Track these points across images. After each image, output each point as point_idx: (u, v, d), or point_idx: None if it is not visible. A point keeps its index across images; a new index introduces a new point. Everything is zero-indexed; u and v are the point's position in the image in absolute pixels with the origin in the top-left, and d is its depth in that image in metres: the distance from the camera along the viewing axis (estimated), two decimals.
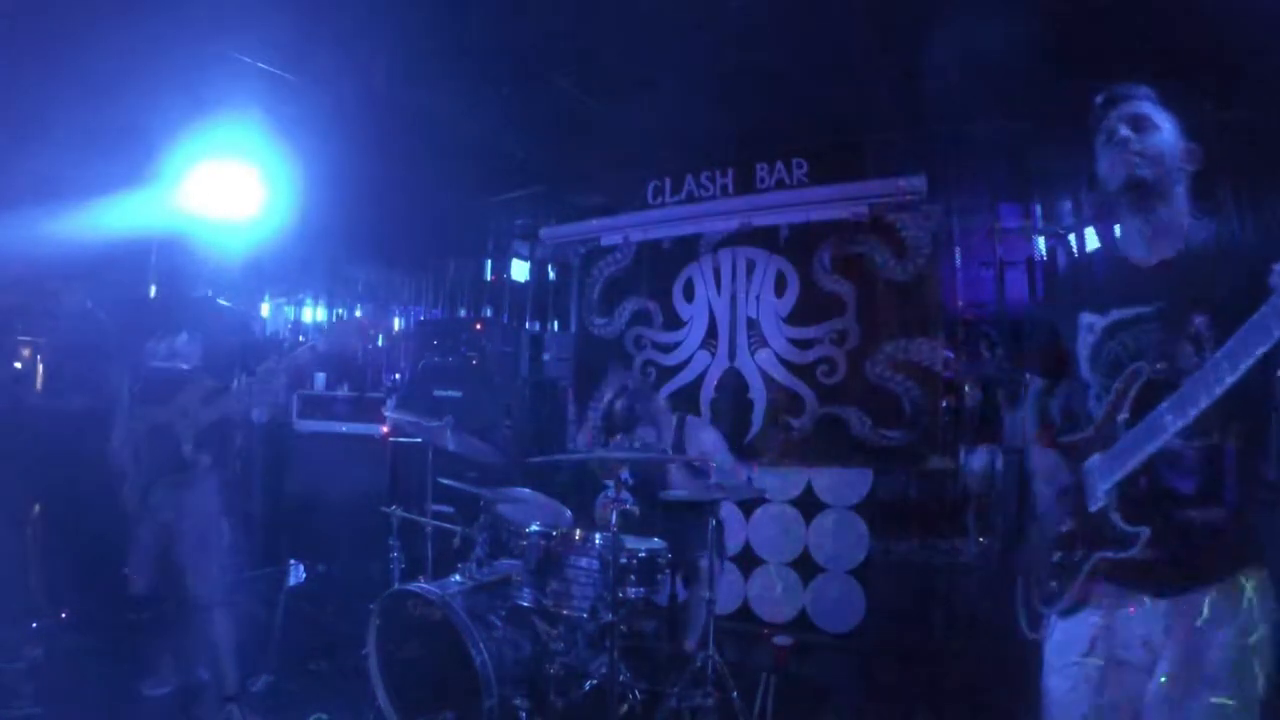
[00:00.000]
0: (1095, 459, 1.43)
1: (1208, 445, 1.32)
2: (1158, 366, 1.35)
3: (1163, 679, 1.33)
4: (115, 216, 3.77)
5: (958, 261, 4.41)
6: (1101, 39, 3.05)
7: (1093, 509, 1.41)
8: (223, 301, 3.05)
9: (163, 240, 2.88)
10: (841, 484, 4.26)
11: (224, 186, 3.86)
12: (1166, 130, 1.45)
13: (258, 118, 3.72)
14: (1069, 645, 1.46)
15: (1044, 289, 1.72)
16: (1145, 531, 1.31)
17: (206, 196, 3.87)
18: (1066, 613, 1.46)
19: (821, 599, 4.20)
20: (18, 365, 3.73)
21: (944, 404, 4.24)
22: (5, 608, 3.23)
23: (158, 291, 2.98)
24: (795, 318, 4.46)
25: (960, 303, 4.54)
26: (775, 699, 3.24)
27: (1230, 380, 1.18)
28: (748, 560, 4.40)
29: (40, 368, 3.75)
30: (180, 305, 2.92)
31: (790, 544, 4.31)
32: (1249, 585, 1.33)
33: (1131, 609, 1.39)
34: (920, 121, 4.09)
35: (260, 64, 3.44)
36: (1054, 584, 1.49)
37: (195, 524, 2.77)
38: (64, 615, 3.54)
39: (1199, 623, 1.32)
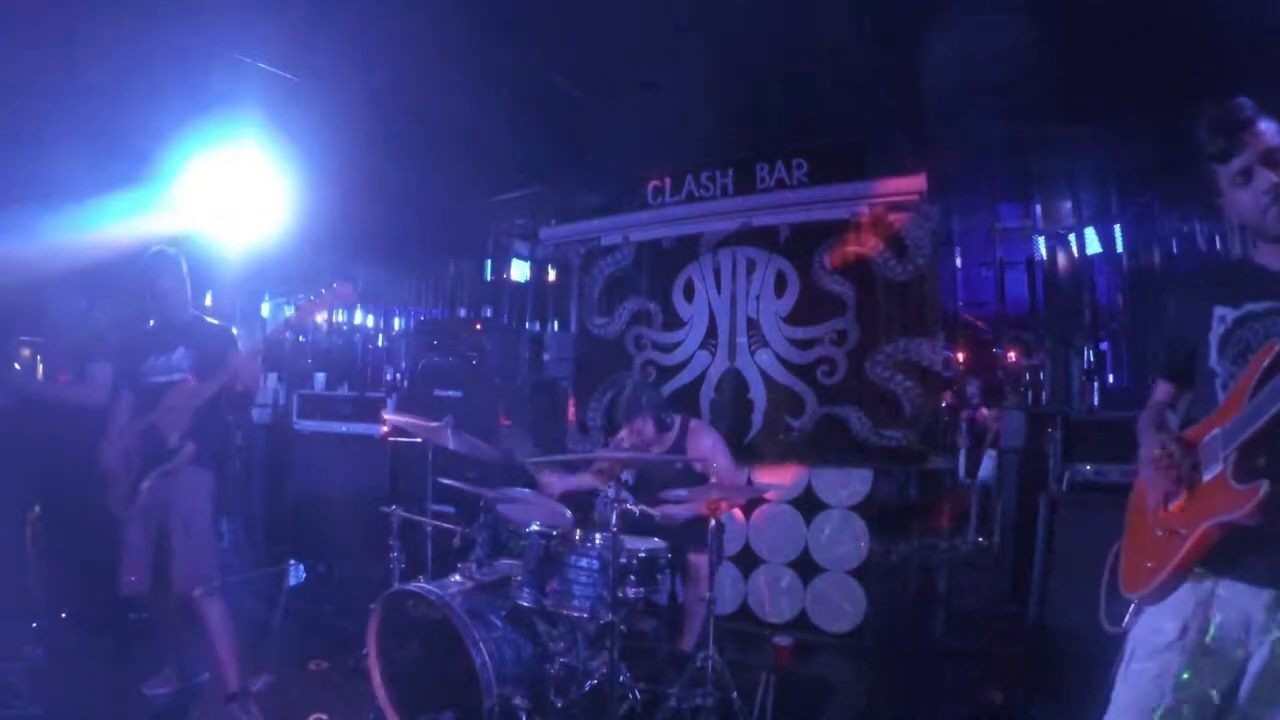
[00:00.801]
0: (1215, 432, 1.40)
1: None
2: None
3: (1252, 681, 1.28)
4: (115, 217, 3.77)
5: (958, 261, 4.41)
6: (1101, 39, 3.05)
7: (1208, 478, 1.38)
8: (211, 320, 3.09)
9: (151, 257, 2.90)
10: (841, 484, 4.26)
11: (224, 186, 3.87)
12: None
13: (258, 118, 3.72)
14: (1158, 631, 1.42)
15: (1174, 288, 1.70)
16: (1262, 485, 1.24)
17: (206, 196, 3.87)
18: (1159, 597, 1.42)
19: (821, 599, 4.20)
20: (17, 366, 3.73)
21: (944, 404, 4.25)
22: (5, 608, 3.23)
23: (151, 312, 3.02)
24: (795, 318, 4.46)
25: (960, 303, 4.54)
26: (775, 699, 3.24)
27: None
28: (748, 560, 4.40)
29: (40, 368, 3.76)
30: (175, 326, 2.95)
31: (790, 544, 4.31)
32: None
33: (1234, 588, 1.34)
34: (920, 121, 4.09)
35: (260, 64, 3.44)
36: (1150, 563, 1.44)
37: (182, 512, 2.77)
38: (64, 615, 3.54)
39: None
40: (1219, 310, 1.53)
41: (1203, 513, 1.35)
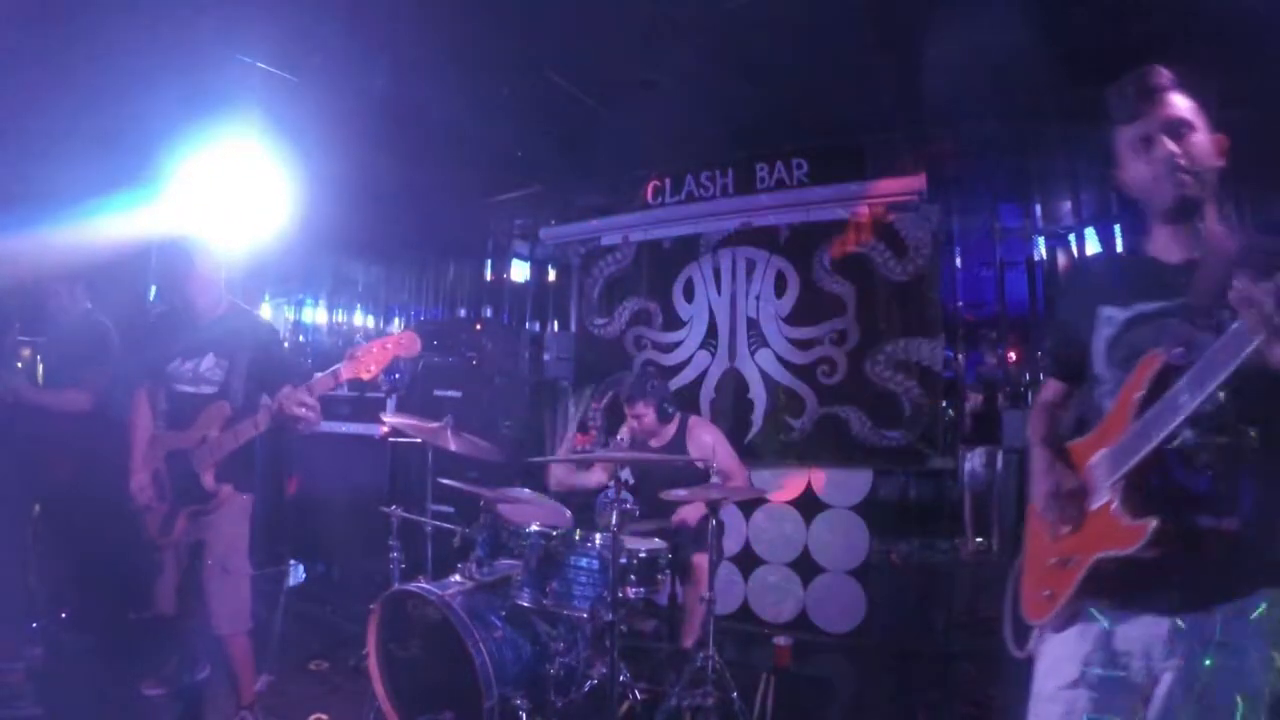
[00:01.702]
0: (1102, 453, 1.33)
1: (1224, 444, 1.22)
2: (1175, 351, 1.25)
3: (1160, 709, 1.24)
4: (115, 217, 3.77)
5: (958, 261, 4.41)
6: (1101, 39, 3.05)
7: (1094, 507, 1.32)
8: (249, 309, 2.86)
9: (163, 248, 2.75)
10: (841, 484, 4.26)
11: (224, 187, 3.86)
12: (1200, 126, 1.38)
13: (258, 118, 3.72)
14: (1060, 667, 1.36)
15: (1064, 284, 1.66)
16: (1152, 523, 1.18)
17: (206, 196, 3.87)
18: (1060, 626, 1.37)
19: (821, 599, 4.20)
20: (19, 365, 3.73)
21: (944, 404, 4.24)
22: (5, 608, 3.23)
23: (170, 305, 2.80)
24: (795, 318, 4.46)
25: (960, 303, 4.54)
26: (775, 699, 3.24)
27: (1249, 349, 1.06)
28: (748, 560, 4.40)
29: (40, 368, 3.75)
30: (203, 323, 2.72)
31: (790, 544, 4.31)
32: (1268, 607, 1.22)
33: (1133, 620, 1.29)
34: (920, 121, 4.09)
35: (260, 64, 3.44)
36: (1047, 591, 1.39)
37: (219, 553, 2.63)
38: (64, 615, 3.54)
39: (1208, 648, 1.22)
40: (1106, 311, 1.44)
41: (1093, 544, 1.30)
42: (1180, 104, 1.39)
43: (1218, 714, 1.20)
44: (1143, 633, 1.29)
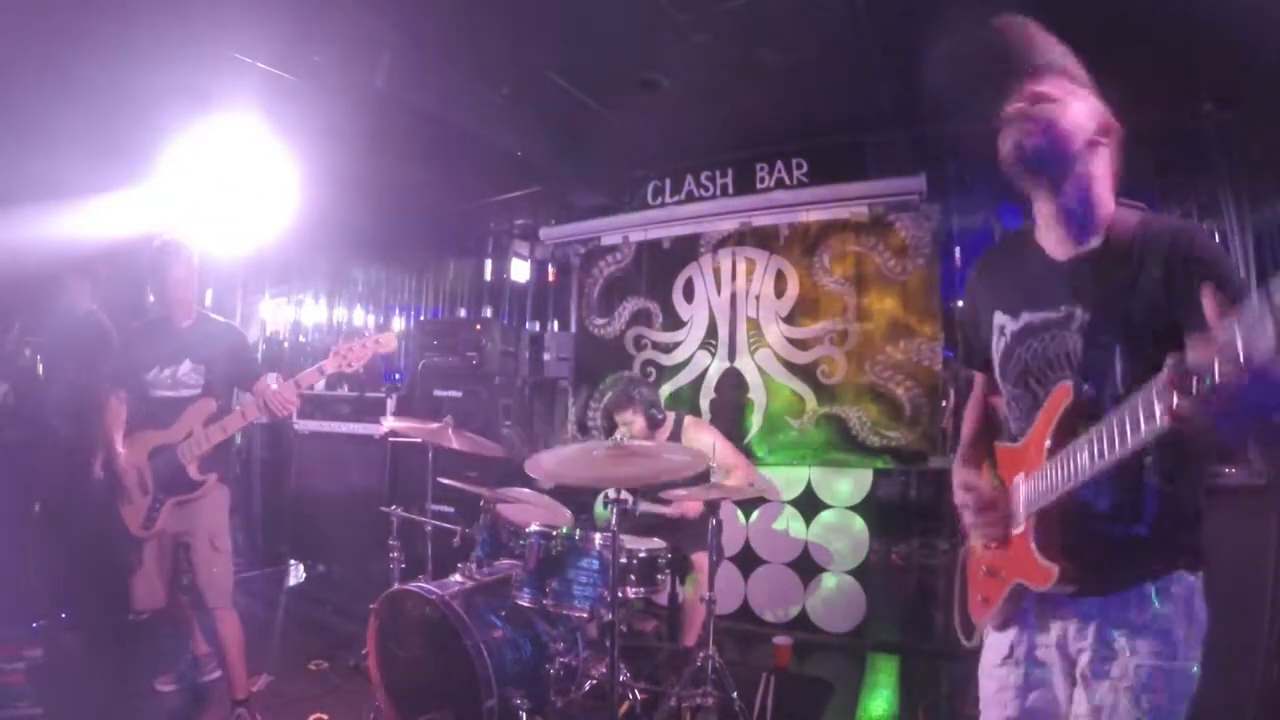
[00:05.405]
0: (1019, 480, 1.31)
1: (1130, 470, 1.19)
2: (1084, 387, 1.20)
3: (1081, 688, 1.26)
4: (115, 217, 3.77)
5: (958, 261, 4.40)
6: (1102, 38, 3.05)
7: (1015, 532, 1.31)
8: (216, 316, 3.04)
9: (161, 246, 2.85)
10: (841, 484, 4.27)
11: (223, 186, 3.87)
12: (1072, 100, 1.31)
13: (258, 118, 3.72)
14: (995, 649, 1.42)
15: (967, 280, 1.54)
16: (1056, 569, 1.19)
17: (206, 195, 3.87)
18: (996, 625, 1.41)
19: (821, 599, 4.20)
20: (20, 365, 3.73)
21: (944, 404, 4.24)
22: (5, 608, 3.23)
23: (147, 318, 2.97)
24: (795, 318, 4.46)
25: (960, 303, 4.53)
26: (775, 699, 3.24)
27: (1147, 434, 0.97)
28: (748, 560, 4.40)
29: (40, 368, 3.75)
30: (178, 329, 2.86)
31: (790, 544, 4.31)
32: (1176, 588, 1.23)
33: (1048, 611, 1.33)
34: (920, 121, 4.08)
35: (260, 64, 3.43)
36: (981, 596, 1.43)
37: (206, 534, 2.78)
38: (64, 615, 3.54)
39: (1117, 629, 1.24)
40: (999, 318, 1.40)
41: (1013, 568, 1.31)
42: (1048, 84, 1.34)
43: (1136, 696, 1.21)
44: (1060, 622, 1.32)
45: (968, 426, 1.60)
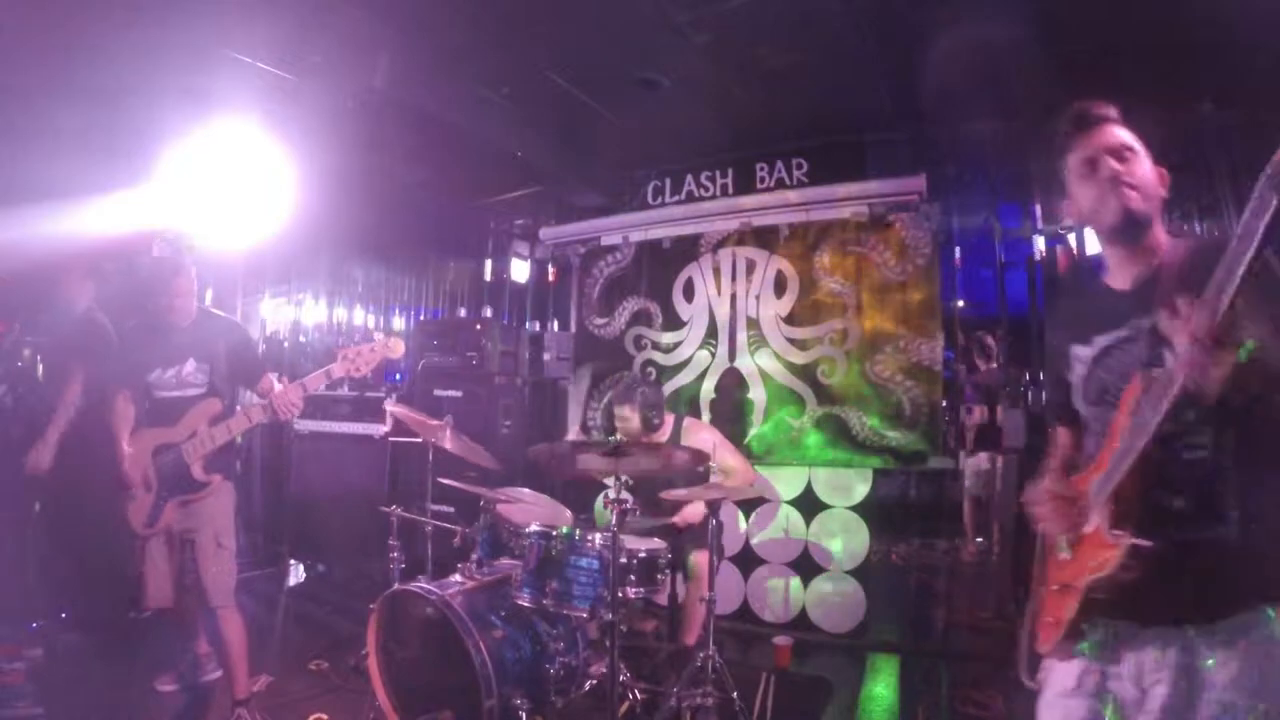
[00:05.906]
0: (1094, 480, 1.33)
1: (1198, 458, 1.23)
2: (1153, 372, 1.24)
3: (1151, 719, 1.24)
4: (115, 217, 3.77)
5: (958, 261, 4.41)
6: (1102, 39, 3.05)
7: (1088, 530, 1.33)
8: (217, 311, 3.04)
9: (162, 258, 2.87)
10: (841, 484, 4.26)
11: (223, 186, 3.87)
12: (1143, 155, 1.41)
13: (258, 118, 3.72)
14: (1061, 679, 1.40)
15: (1045, 325, 1.64)
16: (1125, 540, 1.19)
17: (205, 196, 3.87)
18: (1063, 653, 1.39)
19: (821, 599, 4.20)
20: (19, 364, 3.73)
21: (944, 404, 4.24)
22: (5, 608, 3.23)
23: (143, 317, 2.95)
24: (795, 318, 4.46)
25: (960, 303, 4.54)
26: (775, 699, 3.24)
27: (1175, 390, 1.10)
28: (748, 560, 4.40)
29: (40, 368, 3.75)
30: (180, 329, 2.86)
31: (790, 544, 4.31)
32: (1270, 623, 1.19)
33: (1122, 640, 1.31)
34: (920, 121, 4.08)
35: (260, 64, 3.43)
36: (1051, 618, 1.41)
37: (212, 532, 2.78)
38: (64, 615, 3.54)
39: (1199, 663, 1.21)
40: (1076, 350, 1.48)
41: (1084, 569, 1.31)
42: (1123, 133, 1.42)
43: None
44: (1132, 643, 1.31)
45: (1051, 466, 1.60)
